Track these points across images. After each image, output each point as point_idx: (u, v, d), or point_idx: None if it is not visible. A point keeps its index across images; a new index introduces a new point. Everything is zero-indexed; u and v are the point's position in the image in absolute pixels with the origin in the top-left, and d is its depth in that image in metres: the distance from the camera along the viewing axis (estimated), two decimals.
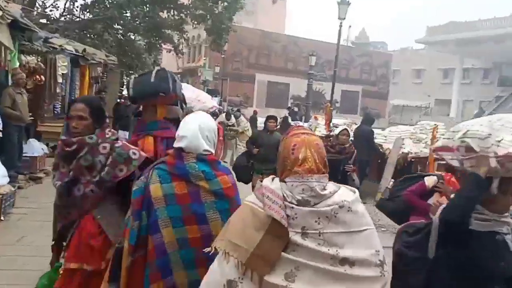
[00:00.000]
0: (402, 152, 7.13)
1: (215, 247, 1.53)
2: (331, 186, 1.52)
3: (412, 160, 7.15)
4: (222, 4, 15.74)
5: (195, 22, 16.80)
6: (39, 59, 7.06)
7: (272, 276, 1.42)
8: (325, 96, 32.92)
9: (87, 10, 12.16)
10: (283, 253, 1.43)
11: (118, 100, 14.35)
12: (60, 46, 7.70)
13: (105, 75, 10.58)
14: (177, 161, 2.00)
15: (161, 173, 1.99)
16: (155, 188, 1.97)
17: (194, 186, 1.98)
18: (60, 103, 8.61)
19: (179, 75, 27.26)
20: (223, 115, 11.46)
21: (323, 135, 7.91)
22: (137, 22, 15.07)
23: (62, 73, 7.67)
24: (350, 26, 45.58)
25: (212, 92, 26.32)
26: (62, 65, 7.55)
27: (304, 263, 1.42)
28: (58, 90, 7.86)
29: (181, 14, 16.41)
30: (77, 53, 8.69)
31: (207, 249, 1.59)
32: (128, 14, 14.32)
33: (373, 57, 37.85)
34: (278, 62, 32.95)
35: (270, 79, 32.62)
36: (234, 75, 30.46)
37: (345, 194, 1.51)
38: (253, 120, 14.61)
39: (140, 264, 1.97)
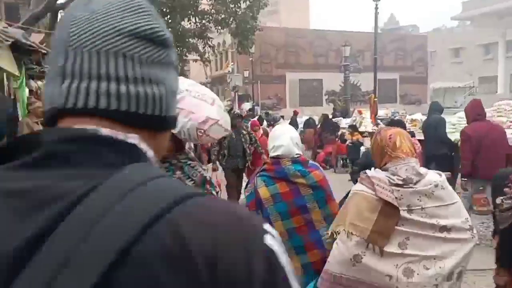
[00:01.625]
0: None
1: (333, 232, 1.92)
2: (422, 168, 1.91)
3: None
4: (245, 3, 14.95)
5: (219, 28, 16.12)
6: None
7: (389, 246, 1.78)
8: (361, 88, 31.50)
9: None
10: (396, 227, 1.79)
11: None
12: None
13: None
14: (275, 166, 2.37)
15: (264, 178, 2.37)
16: (263, 191, 2.35)
17: (293, 184, 2.34)
18: None
19: (208, 84, 26.91)
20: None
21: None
22: None
23: None
24: (378, 13, 43.76)
25: (243, 98, 25.60)
26: None
27: (412, 232, 1.79)
28: None
29: (203, 21, 15.78)
30: None
31: (324, 234, 2.12)
32: None
33: (406, 41, 35.98)
34: (308, 59, 31.79)
35: (302, 77, 31.52)
36: (264, 77, 29.61)
37: (435, 175, 1.90)
38: (293, 123, 13.49)
39: None
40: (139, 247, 0.43)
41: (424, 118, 8.61)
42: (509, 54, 35.99)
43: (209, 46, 16.71)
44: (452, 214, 1.84)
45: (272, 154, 2.42)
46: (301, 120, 14.49)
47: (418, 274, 1.76)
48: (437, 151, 6.42)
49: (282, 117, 15.27)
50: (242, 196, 2.88)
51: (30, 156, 0.51)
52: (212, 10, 15.72)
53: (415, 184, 1.82)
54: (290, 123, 15.11)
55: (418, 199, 1.80)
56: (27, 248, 0.43)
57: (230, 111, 8.82)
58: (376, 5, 12.21)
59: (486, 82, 38.21)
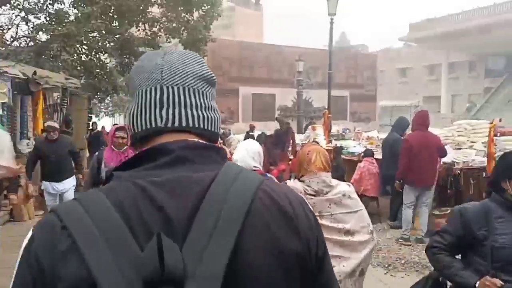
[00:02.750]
0: (444, 163, 5.63)
1: None
2: (334, 180, 2.23)
3: (459, 172, 5.59)
4: (198, 12, 14.38)
5: (170, 37, 15.40)
6: None
7: None
8: (312, 104, 31.61)
9: (43, 30, 10.56)
10: None
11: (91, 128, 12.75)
12: None
13: (65, 101, 8.96)
14: None
15: None
16: None
17: None
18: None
19: None
20: None
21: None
22: (107, 41, 13.59)
23: (2, 103, 6.06)
24: (333, 28, 44.36)
25: None
26: (0, 93, 5.96)
27: None
28: None
29: (154, 29, 15.00)
30: (25, 77, 7.09)
31: None
32: (95, 34, 12.84)
33: (358, 60, 36.74)
34: (262, 73, 31.57)
35: (255, 91, 31.20)
36: (217, 90, 28.69)
37: (344, 186, 2.22)
38: (249, 138, 12.92)
39: None
40: (254, 206, 0.71)
41: (380, 135, 8.36)
42: (451, 75, 37.82)
43: None
44: (356, 219, 2.13)
45: None
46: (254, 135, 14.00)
47: None
48: (390, 171, 6.15)
49: (229, 131, 14.64)
50: None
51: (162, 159, 0.74)
52: (163, 18, 15.00)
53: (325, 194, 2.13)
54: (245, 139, 14.55)
55: (328, 206, 2.11)
56: (191, 215, 0.68)
57: None
58: (332, 19, 12.02)
59: (430, 102, 39.85)
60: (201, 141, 0.78)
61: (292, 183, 2.21)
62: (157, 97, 0.78)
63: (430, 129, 5.64)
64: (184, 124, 0.78)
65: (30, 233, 0.69)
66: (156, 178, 0.71)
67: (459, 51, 36.17)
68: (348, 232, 2.09)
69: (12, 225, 6.55)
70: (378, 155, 6.68)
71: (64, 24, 10.23)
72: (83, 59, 12.69)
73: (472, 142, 6.05)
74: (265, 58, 31.52)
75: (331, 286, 0.81)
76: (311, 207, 0.82)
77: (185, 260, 0.62)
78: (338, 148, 7.77)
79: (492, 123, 4.97)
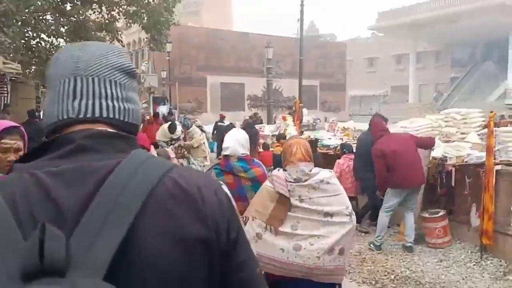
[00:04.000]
0: (434, 158, 5.01)
1: (245, 216, 2.44)
2: (316, 169, 2.46)
3: (452, 169, 4.96)
4: None
5: (130, 21, 14.27)
6: None
7: (283, 227, 2.35)
8: (283, 94, 30.99)
9: None
10: (288, 213, 2.37)
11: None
12: None
13: (5, 88, 7.85)
14: (225, 162, 2.87)
15: (217, 170, 2.88)
16: None
17: (237, 177, 2.83)
18: None
19: None
20: (165, 126, 8.87)
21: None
22: (60, 25, 12.38)
23: None
24: (298, 20, 43.49)
25: (159, 100, 23.59)
26: None
27: (302, 217, 2.35)
28: None
29: (112, 12, 13.84)
30: None
31: (241, 217, 2.24)
32: (47, 16, 11.60)
33: (327, 49, 36.32)
34: (230, 62, 30.57)
35: (223, 80, 30.21)
36: (183, 79, 27.84)
37: (325, 173, 2.44)
38: (218, 128, 12.18)
39: None
40: (156, 192, 0.69)
41: (356, 126, 7.75)
42: (418, 65, 38.03)
43: (118, 40, 14.73)
44: (334, 203, 2.38)
45: (223, 153, 2.90)
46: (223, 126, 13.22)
47: (304, 248, 2.30)
48: (362, 175, 5.66)
49: (195, 122, 13.87)
50: None
51: (64, 149, 0.72)
52: (122, 1, 13.84)
53: (304, 181, 2.39)
54: (214, 128, 13.74)
55: (307, 191, 2.38)
56: (85, 204, 0.65)
57: None
58: (302, 1, 11.28)
59: (398, 91, 40.07)
60: (109, 129, 0.76)
61: (276, 172, 2.49)
62: (71, 88, 0.77)
63: (402, 121, 5.22)
64: (97, 114, 0.77)
65: None
66: (53, 168, 0.70)
67: (426, 40, 36.35)
68: (327, 214, 2.31)
69: None
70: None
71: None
72: (32, 43, 11.45)
73: (462, 133, 5.47)
74: (233, 46, 30.54)
75: (248, 265, 0.80)
76: (228, 193, 0.80)
77: (74, 249, 0.60)
78: (314, 142, 7.12)
79: (492, 112, 4.35)
